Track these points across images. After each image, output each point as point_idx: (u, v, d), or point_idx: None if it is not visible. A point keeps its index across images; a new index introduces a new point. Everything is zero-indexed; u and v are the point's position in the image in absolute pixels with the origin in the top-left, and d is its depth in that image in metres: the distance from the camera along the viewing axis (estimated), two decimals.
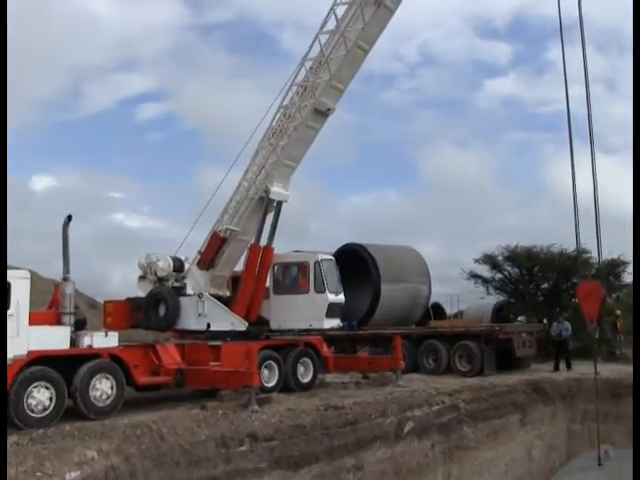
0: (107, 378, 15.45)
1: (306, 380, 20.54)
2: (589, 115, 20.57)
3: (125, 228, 76.31)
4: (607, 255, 31.54)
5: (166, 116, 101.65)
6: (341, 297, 21.14)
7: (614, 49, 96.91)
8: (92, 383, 15.06)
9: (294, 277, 21.25)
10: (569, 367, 27.84)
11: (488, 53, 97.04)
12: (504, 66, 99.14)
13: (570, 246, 33.36)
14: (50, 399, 14.12)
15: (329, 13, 19.27)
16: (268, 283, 21.04)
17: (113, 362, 15.78)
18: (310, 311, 20.43)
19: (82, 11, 73.42)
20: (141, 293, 20.86)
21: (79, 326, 16.39)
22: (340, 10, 19.35)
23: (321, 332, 21.68)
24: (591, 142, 20.42)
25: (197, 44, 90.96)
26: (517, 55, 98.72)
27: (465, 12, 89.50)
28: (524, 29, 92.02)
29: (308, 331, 21.37)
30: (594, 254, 27.70)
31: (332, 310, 20.68)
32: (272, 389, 18.97)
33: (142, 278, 21.14)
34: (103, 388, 15.27)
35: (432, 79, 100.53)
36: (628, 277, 38.15)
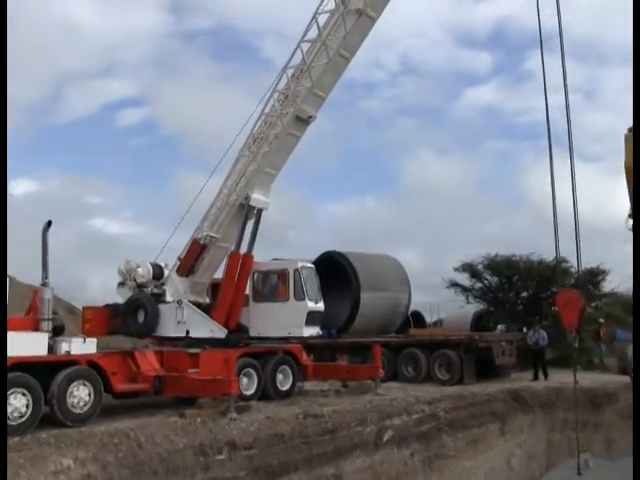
0: (85, 385, 15.25)
1: (285, 388, 20.42)
2: (568, 125, 20.67)
3: (105, 233, 75.87)
4: (586, 264, 31.80)
5: (147, 122, 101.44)
6: (321, 305, 21.12)
7: (593, 59, 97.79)
8: (69, 390, 14.85)
9: (274, 285, 21.22)
10: (546, 376, 27.92)
11: (468, 62, 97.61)
12: (484, 75, 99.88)
13: (549, 255, 33.58)
14: (27, 406, 13.87)
15: (311, 21, 19.27)
16: (248, 290, 21.01)
17: (91, 369, 15.64)
18: (290, 319, 20.40)
19: (64, 17, 73.23)
20: (120, 299, 20.66)
21: (57, 332, 16.27)
22: (322, 18, 19.38)
23: (300, 340, 21.60)
24: (570, 152, 20.52)
25: (178, 51, 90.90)
26: (497, 64, 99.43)
27: (446, 22, 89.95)
28: (504, 39, 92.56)
29: (287, 339, 21.26)
30: (573, 263, 27.90)
31: (312, 318, 20.65)
32: (251, 397, 18.85)
33: (121, 284, 21.02)
34: (80, 395, 15.06)
35: (413, 87, 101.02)
36: (607, 286, 38.51)
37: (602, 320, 34.83)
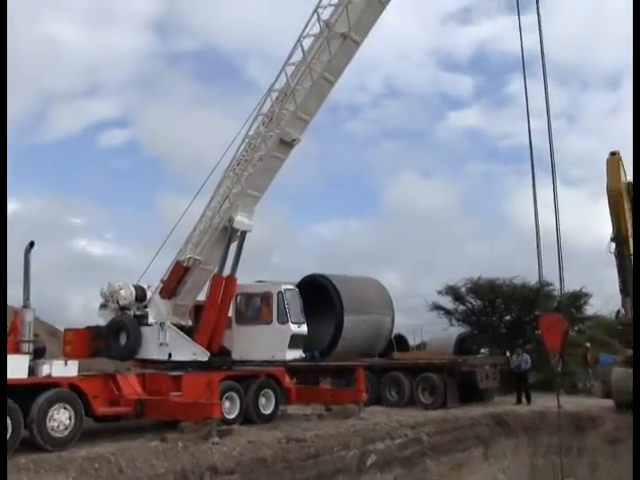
0: (65, 408, 15.06)
1: (268, 412, 20.31)
2: (551, 149, 20.77)
3: (87, 254, 75.32)
4: (569, 287, 31.86)
5: (130, 143, 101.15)
6: (304, 328, 21.05)
7: (575, 84, 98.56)
8: (50, 413, 14.63)
9: (257, 307, 21.14)
10: (529, 400, 27.85)
11: (451, 86, 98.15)
12: (467, 99, 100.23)
13: (533, 278, 33.61)
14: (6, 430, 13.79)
15: (296, 44, 19.34)
16: (231, 313, 20.91)
17: (72, 392, 15.46)
18: (273, 342, 20.30)
19: (48, 36, 73.03)
20: (102, 321, 20.57)
21: (38, 354, 16.09)
22: (307, 42, 19.45)
23: (283, 363, 21.43)
24: (553, 176, 20.62)
25: (162, 72, 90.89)
26: (479, 88, 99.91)
27: (429, 45, 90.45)
28: (486, 63, 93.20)
29: (270, 362, 21.13)
30: (556, 286, 27.96)
31: (295, 341, 20.58)
32: (233, 421, 18.72)
33: (103, 306, 20.91)
34: (61, 418, 14.83)
35: (396, 110, 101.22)
36: (590, 309, 38.58)
37: (589, 344, 34.85)
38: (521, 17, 20.78)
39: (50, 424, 14.76)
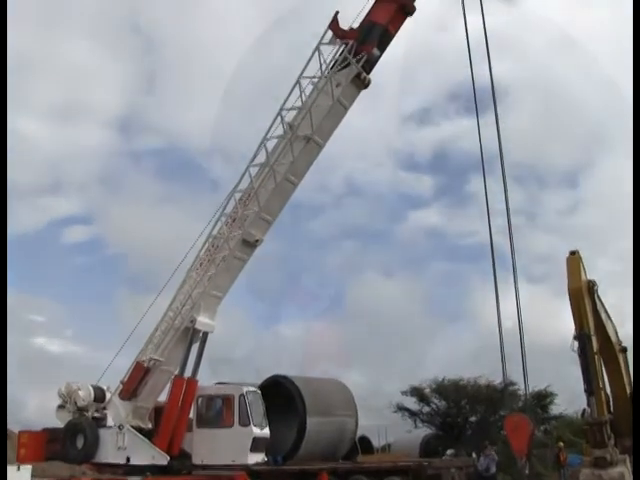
0: None
1: None
2: (512, 247, 20.99)
3: (45, 352, 73.90)
4: (534, 386, 31.80)
5: (93, 239, 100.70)
6: (266, 431, 20.65)
7: (533, 181, 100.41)
8: None
9: (218, 410, 20.76)
10: None
11: (411, 185, 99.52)
12: (427, 198, 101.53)
13: (497, 377, 33.56)
14: None
15: (259, 146, 19.60)
16: (191, 415, 20.53)
17: None
18: (234, 445, 19.86)
19: (12, 131, 73.21)
20: (59, 423, 20.10)
21: None
22: (270, 143, 19.70)
23: (245, 467, 20.96)
24: (514, 276, 20.78)
25: (126, 169, 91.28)
26: (439, 187, 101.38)
27: (390, 145, 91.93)
28: (445, 162, 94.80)
29: (231, 466, 20.66)
30: (521, 386, 27.90)
31: (257, 445, 20.14)
32: None
33: (61, 407, 20.44)
34: None
35: (357, 209, 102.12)
36: (555, 409, 38.46)
37: (561, 444, 34.51)
38: (480, 117, 21.31)
39: None
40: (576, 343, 21.32)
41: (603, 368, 21.80)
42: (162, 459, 18.95)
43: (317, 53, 19.66)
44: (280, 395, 27.80)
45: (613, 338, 22.53)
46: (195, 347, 20.07)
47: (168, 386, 20.27)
